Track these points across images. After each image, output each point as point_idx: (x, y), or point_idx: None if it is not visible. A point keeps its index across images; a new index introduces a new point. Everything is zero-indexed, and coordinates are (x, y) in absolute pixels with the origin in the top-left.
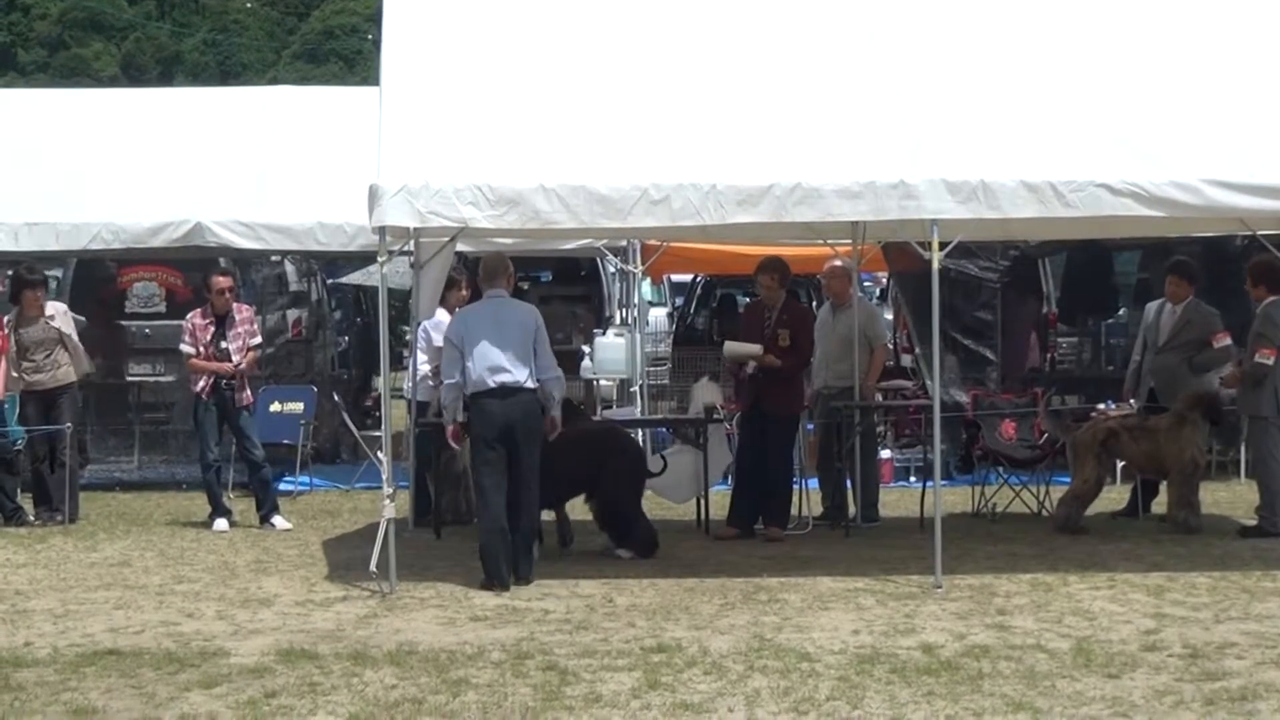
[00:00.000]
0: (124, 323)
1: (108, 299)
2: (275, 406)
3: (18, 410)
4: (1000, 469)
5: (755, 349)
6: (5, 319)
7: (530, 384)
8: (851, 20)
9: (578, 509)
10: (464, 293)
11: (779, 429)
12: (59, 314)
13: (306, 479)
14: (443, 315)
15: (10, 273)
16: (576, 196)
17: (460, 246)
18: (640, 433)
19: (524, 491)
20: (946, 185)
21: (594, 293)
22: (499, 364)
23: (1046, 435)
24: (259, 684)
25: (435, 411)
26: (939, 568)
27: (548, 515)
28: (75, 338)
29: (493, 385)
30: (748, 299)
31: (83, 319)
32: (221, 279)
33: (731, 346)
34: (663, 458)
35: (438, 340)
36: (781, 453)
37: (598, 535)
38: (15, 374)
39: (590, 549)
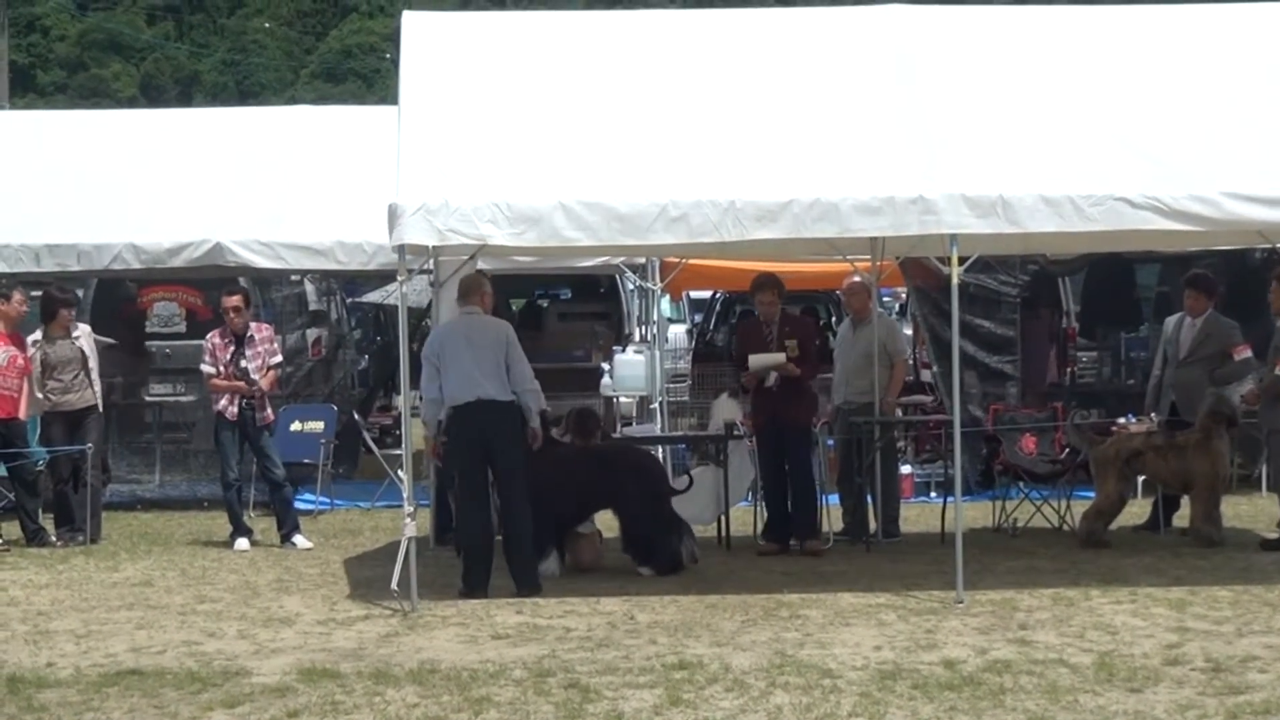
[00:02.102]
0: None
1: (129, 318)
2: (296, 425)
3: (39, 431)
4: (1021, 483)
5: (779, 358)
6: (30, 340)
7: (504, 397)
8: (869, 37)
9: (613, 526)
10: None
11: (797, 439)
12: (84, 335)
13: (327, 498)
14: None
15: (39, 292)
16: (595, 214)
17: (480, 264)
18: (661, 450)
19: (513, 502)
20: (965, 200)
21: (613, 310)
22: (473, 379)
23: (1067, 449)
24: (281, 703)
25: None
26: (960, 583)
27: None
28: (95, 361)
29: (468, 400)
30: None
31: (114, 341)
32: (228, 298)
33: (757, 358)
34: (689, 475)
35: None
36: (802, 465)
37: (620, 552)
38: (39, 395)
39: (611, 565)
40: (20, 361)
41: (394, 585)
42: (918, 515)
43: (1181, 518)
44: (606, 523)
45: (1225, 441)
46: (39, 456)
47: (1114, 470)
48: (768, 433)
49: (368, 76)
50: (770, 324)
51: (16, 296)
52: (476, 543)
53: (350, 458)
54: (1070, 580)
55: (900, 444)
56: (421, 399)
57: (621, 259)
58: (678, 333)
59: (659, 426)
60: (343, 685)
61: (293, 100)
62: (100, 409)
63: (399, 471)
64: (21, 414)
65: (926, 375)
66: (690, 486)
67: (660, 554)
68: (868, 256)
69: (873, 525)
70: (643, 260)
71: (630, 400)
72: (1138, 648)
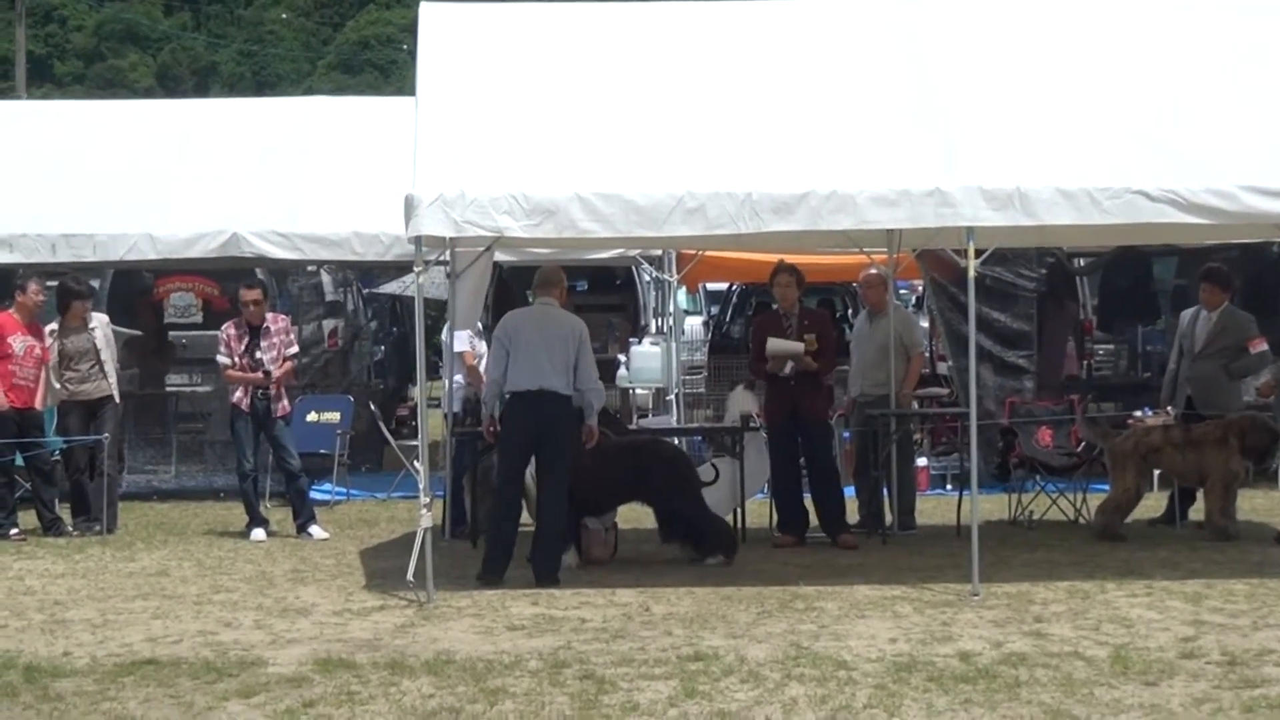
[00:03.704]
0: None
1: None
2: (312, 416)
3: (55, 421)
4: (1037, 476)
5: (799, 348)
6: (48, 329)
7: (566, 391)
8: (886, 28)
9: (629, 519)
10: None
11: (819, 434)
12: (100, 325)
13: (343, 489)
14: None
15: (56, 283)
16: (612, 206)
17: (496, 255)
18: (677, 441)
19: (552, 495)
20: (983, 193)
21: (630, 302)
22: (538, 368)
23: (1084, 442)
24: (297, 693)
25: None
26: (976, 575)
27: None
28: (111, 351)
29: (529, 388)
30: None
31: (139, 333)
32: (248, 291)
33: (776, 344)
34: (714, 466)
35: (458, 345)
36: (827, 459)
37: (643, 544)
38: (56, 385)
39: (627, 557)
40: (38, 351)
41: (410, 576)
42: (933, 508)
43: (1197, 511)
44: (625, 516)
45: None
46: (55, 446)
47: (1132, 464)
48: (784, 427)
49: (385, 68)
50: (789, 316)
51: (32, 287)
52: (503, 531)
53: (375, 456)
54: (1086, 573)
55: (916, 436)
56: (486, 379)
57: (638, 251)
58: (694, 325)
59: (675, 418)
60: (358, 676)
61: (310, 91)
62: (117, 399)
63: (415, 462)
64: (38, 404)
65: (942, 368)
66: (716, 479)
67: (721, 539)
68: (884, 249)
69: (889, 517)
70: (659, 252)
71: (646, 392)
72: (1153, 641)
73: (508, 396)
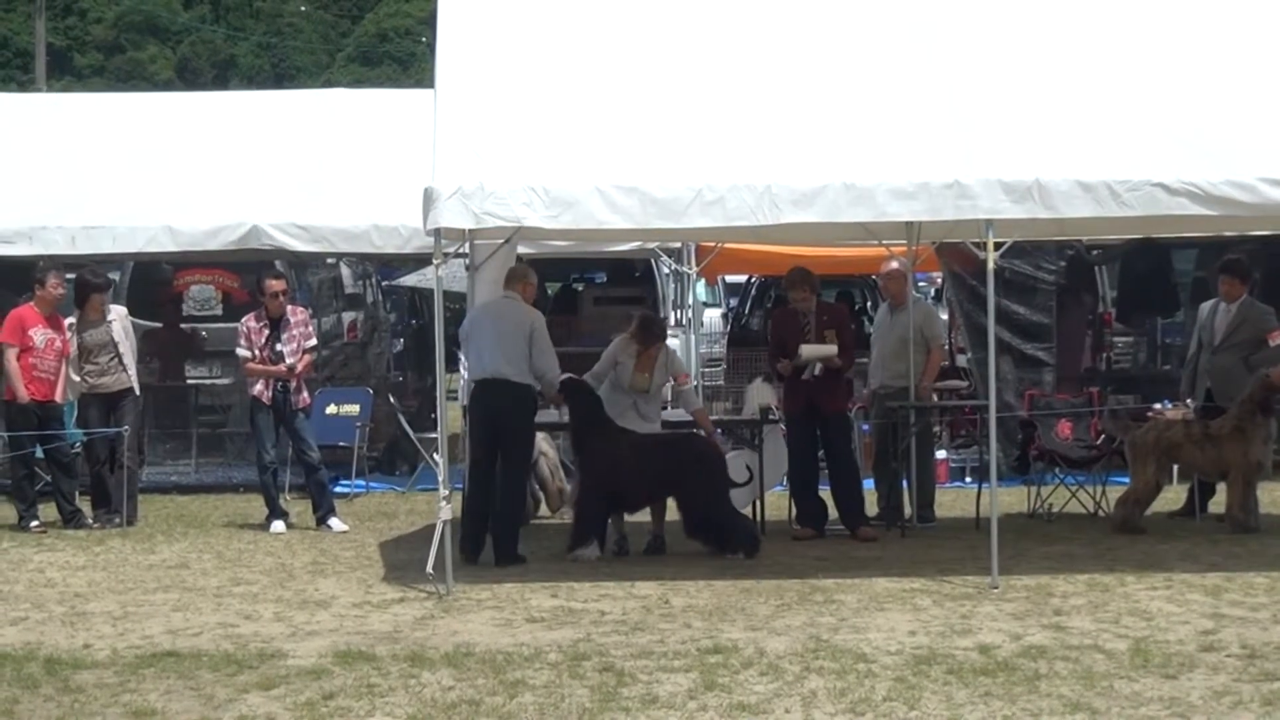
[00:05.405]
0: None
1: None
2: (331, 409)
3: (76, 413)
4: (1056, 469)
5: (831, 350)
6: (67, 323)
7: (519, 379)
8: (905, 20)
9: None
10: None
11: (838, 428)
12: (119, 318)
13: (363, 481)
14: None
15: (74, 276)
16: (631, 198)
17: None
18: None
19: (510, 477)
20: (1001, 185)
21: (648, 294)
22: (494, 357)
23: (1103, 435)
24: (317, 685)
25: None
26: (995, 568)
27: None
28: (129, 344)
29: (485, 376)
30: None
31: (159, 324)
32: (275, 282)
33: (810, 349)
34: (748, 468)
35: None
36: (846, 452)
37: (662, 535)
38: (76, 377)
39: (642, 548)
40: (58, 344)
41: (429, 568)
42: (953, 500)
43: (1217, 504)
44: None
45: (1261, 429)
46: (74, 438)
47: (1151, 457)
48: (803, 419)
49: (404, 60)
50: (806, 314)
51: (52, 280)
52: (476, 514)
53: (409, 460)
54: (1105, 566)
55: (935, 429)
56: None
57: (657, 243)
58: (713, 317)
59: None
60: (378, 668)
61: (329, 83)
62: (137, 392)
63: (434, 455)
64: (58, 397)
65: (962, 360)
66: (750, 480)
67: (743, 536)
68: (904, 241)
69: (908, 510)
70: (678, 244)
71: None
72: (1173, 634)
73: (471, 386)
